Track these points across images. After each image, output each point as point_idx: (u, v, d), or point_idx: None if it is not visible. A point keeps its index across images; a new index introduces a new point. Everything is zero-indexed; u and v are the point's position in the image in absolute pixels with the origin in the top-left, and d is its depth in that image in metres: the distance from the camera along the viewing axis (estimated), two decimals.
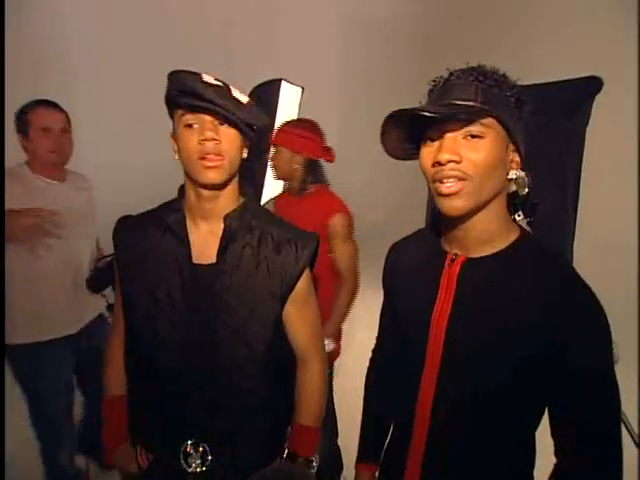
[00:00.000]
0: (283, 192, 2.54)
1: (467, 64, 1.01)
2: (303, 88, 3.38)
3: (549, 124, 1.38)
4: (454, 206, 0.97)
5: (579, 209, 1.52)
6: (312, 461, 1.39)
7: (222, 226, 1.27)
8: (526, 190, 1.17)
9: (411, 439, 1.12)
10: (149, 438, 1.37)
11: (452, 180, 0.96)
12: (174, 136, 1.24)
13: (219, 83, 1.20)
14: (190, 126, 1.18)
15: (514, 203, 1.18)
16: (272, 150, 2.32)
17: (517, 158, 1.02)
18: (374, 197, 4.22)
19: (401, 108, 0.97)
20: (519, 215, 1.26)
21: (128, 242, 1.34)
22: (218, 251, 1.26)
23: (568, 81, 1.40)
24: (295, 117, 3.55)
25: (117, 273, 1.36)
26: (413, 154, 1.06)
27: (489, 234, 1.03)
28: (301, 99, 3.42)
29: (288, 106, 3.31)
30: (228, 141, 1.19)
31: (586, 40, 2.64)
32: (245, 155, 1.28)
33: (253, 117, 1.20)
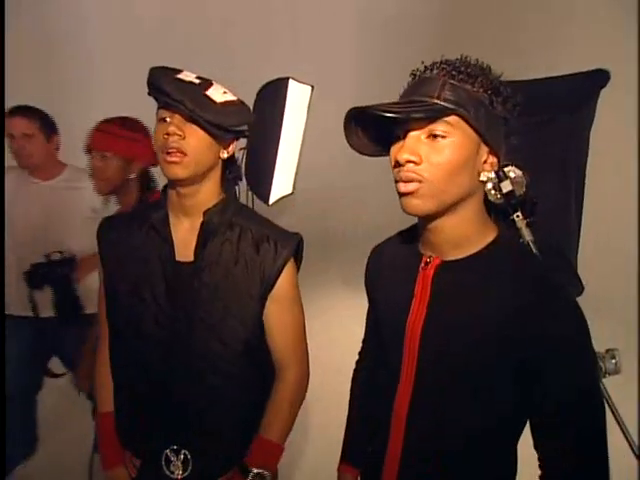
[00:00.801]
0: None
1: (442, 56, 0.96)
2: (313, 87, 3.34)
3: (553, 119, 1.33)
4: (412, 205, 0.94)
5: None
6: (265, 477, 1.29)
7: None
8: (524, 189, 1.13)
9: (387, 450, 1.09)
10: (134, 442, 1.36)
11: (410, 181, 0.92)
12: None
13: (196, 80, 1.19)
14: (163, 120, 1.19)
15: (511, 203, 1.15)
16: (92, 157, 1.89)
17: (492, 159, 0.96)
18: (376, 197, 4.19)
19: (360, 106, 0.94)
20: (518, 215, 1.22)
21: (112, 240, 1.34)
22: (196, 247, 1.25)
23: (570, 75, 1.35)
24: (304, 117, 3.53)
25: (101, 273, 1.36)
26: (383, 151, 1.02)
27: (461, 237, 0.99)
28: (311, 98, 3.38)
29: (297, 105, 3.27)
30: (195, 139, 1.18)
31: (586, 40, 2.58)
32: (225, 155, 1.26)
33: (220, 117, 1.17)
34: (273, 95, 3.11)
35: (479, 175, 0.96)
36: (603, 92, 1.38)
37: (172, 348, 1.26)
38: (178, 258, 1.26)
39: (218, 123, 1.17)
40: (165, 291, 1.26)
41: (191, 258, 1.26)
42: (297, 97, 3.26)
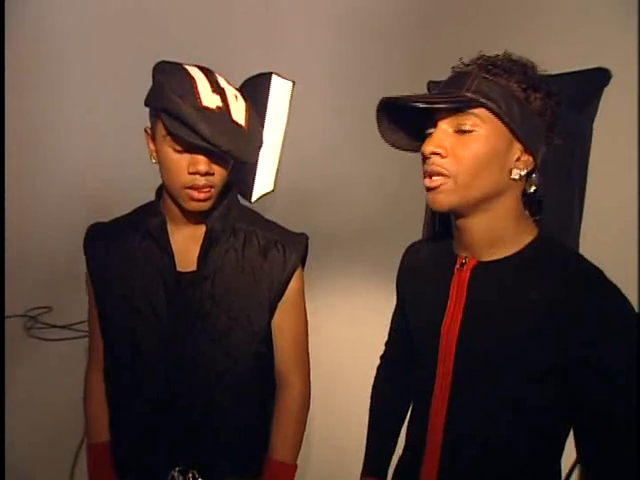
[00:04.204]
0: None
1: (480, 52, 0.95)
2: (294, 82, 3.31)
3: (561, 117, 1.33)
4: (435, 200, 0.93)
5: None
6: None
7: (205, 229, 1.17)
8: (533, 188, 1.12)
9: (422, 460, 1.05)
10: (135, 469, 1.26)
11: (435, 174, 0.91)
12: (152, 138, 1.10)
13: (220, 103, 1.04)
14: (181, 152, 1.06)
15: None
16: None
17: (526, 157, 0.93)
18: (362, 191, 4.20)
19: (390, 96, 0.92)
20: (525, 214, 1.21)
21: (101, 251, 1.23)
22: (199, 256, 1.16)
23: (574, 73, 1.35)
24: (286, 113, 3.49)
25: (90, 287, 1.25)
26: (420, 147, 0.98)
27: (495, 237, 0.97)
28: (292, 94, 3.35)
29: (279, 101, 3.24)
30: (219, 172, 1.09)
31: (585, 40, 2.59)
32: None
33: (252, 152, 1.09)
34: (256, 91, 3.06)
35: (511, 173, 0.93)
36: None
37: (175, 364, 1.17)
38: (179, 268, 1.17)
39: (245, 159, 1.07)
40: (165, 303, 1.17)
41: (192, 268, 1.17)
42: (279, 93, 3.22)
